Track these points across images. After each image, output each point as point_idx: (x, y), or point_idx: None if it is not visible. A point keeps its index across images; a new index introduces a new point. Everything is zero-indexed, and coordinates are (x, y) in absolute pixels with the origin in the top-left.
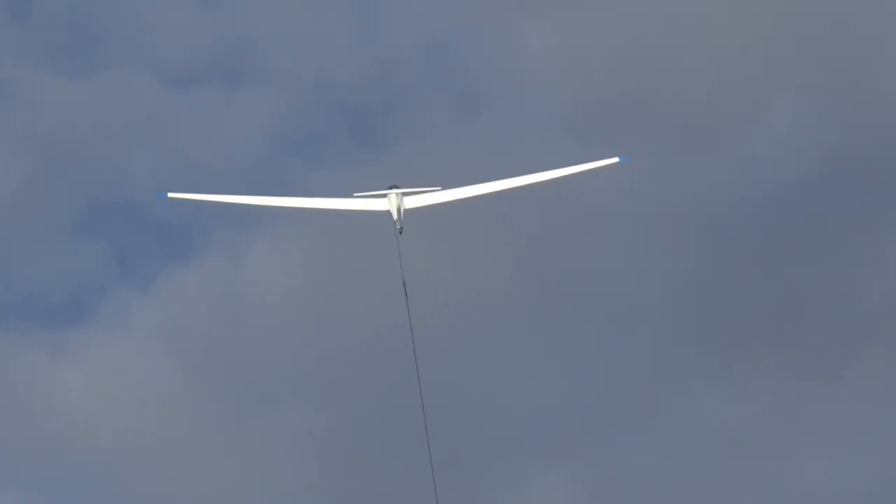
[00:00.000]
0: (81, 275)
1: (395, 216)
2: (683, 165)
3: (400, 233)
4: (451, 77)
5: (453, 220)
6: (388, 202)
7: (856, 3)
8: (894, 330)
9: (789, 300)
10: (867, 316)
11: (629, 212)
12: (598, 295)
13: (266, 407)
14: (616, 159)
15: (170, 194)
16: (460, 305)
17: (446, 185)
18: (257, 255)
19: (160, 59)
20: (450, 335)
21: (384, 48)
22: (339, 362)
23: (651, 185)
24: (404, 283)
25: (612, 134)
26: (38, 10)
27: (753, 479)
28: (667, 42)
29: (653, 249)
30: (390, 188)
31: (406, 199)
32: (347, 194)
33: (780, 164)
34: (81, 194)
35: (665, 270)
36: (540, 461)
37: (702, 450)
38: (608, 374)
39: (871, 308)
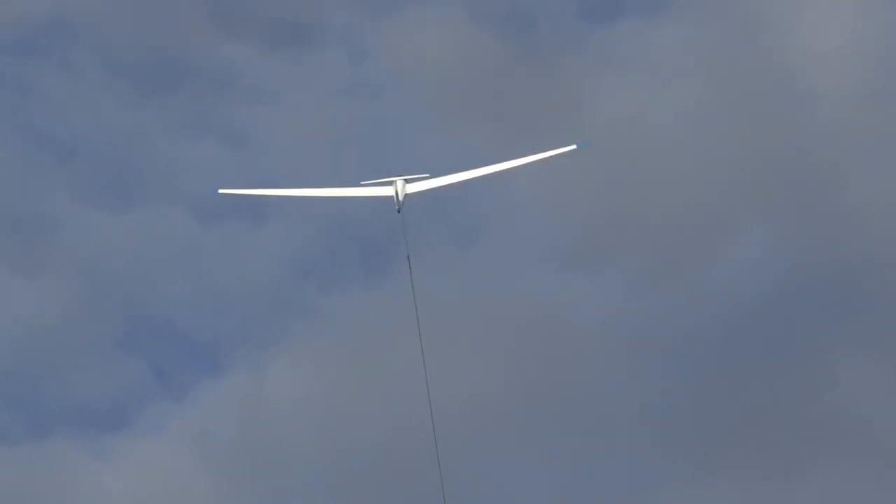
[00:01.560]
0: (122, 386)
1: (398, 199)
2: (659, 285)
3: (399, 212)
4: (447, 212)
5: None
6: (392, 189)
7: (815, 138)
8: (848, 436)
9: (756, 410)
10: (823, 424)
11: (609, 329)
12: (578, 408)
13: None
14: (574, 146)
15: (220, 190)
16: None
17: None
18: (279, 368)
19: (192, 197)
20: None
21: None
22: (360, 467)
23: (629, 304)
24: (408, 257)
25: (596, 259)
26: (83, 153)
27: None
28: (644, 176)
29: (629, 364)
30: (398, 176)
31: (407, 185)
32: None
33: (747, 284)
34: (122, 315)
35: (641, 384)
36: None
37: None
38: (585, 484)
39: (827, 416)
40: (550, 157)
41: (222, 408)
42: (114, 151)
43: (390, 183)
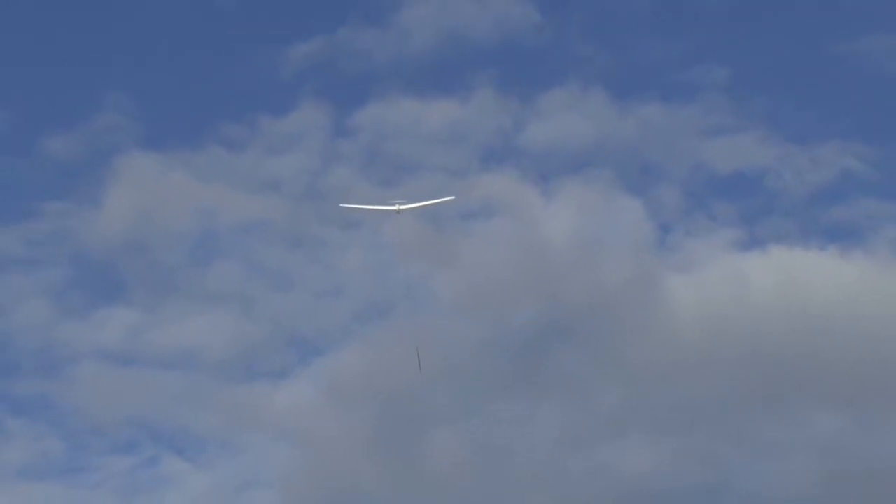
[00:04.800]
0: (281, 362)
1: (398, 211)
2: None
3: (398, 213)
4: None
5: None
6: (396, 207)
7: (558, 276)
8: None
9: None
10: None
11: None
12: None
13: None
14: (452, 197)
15: (342, 204)
16: None
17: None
18: (345, 351)
19: (309, 293)
20: None
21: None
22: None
23: (481, 335)
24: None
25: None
26: (266, 276)
27: None
28: (474, 301)
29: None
30: (399, 201)
31: (401, 206)
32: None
33: (519, 326)
34: (282, 332)
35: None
36: None
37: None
38: None
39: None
40: (435, 203)
41: (324, 369)
42: (282, 277)
43: (394, 204)
